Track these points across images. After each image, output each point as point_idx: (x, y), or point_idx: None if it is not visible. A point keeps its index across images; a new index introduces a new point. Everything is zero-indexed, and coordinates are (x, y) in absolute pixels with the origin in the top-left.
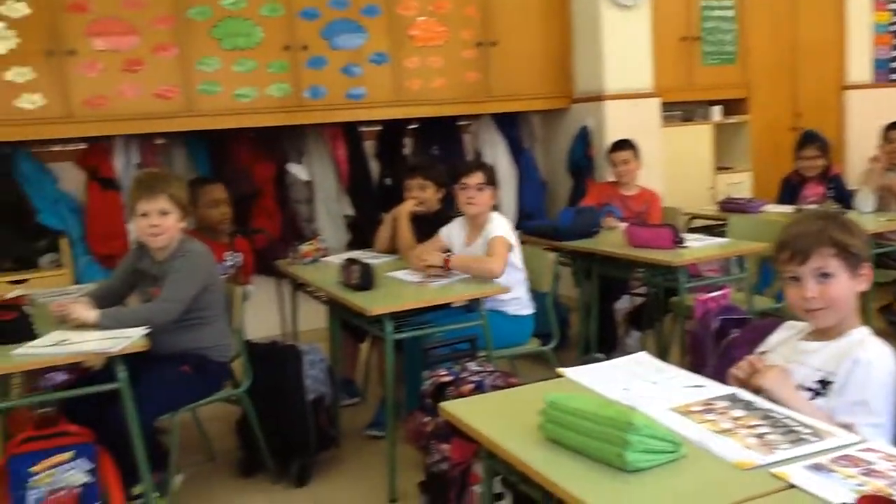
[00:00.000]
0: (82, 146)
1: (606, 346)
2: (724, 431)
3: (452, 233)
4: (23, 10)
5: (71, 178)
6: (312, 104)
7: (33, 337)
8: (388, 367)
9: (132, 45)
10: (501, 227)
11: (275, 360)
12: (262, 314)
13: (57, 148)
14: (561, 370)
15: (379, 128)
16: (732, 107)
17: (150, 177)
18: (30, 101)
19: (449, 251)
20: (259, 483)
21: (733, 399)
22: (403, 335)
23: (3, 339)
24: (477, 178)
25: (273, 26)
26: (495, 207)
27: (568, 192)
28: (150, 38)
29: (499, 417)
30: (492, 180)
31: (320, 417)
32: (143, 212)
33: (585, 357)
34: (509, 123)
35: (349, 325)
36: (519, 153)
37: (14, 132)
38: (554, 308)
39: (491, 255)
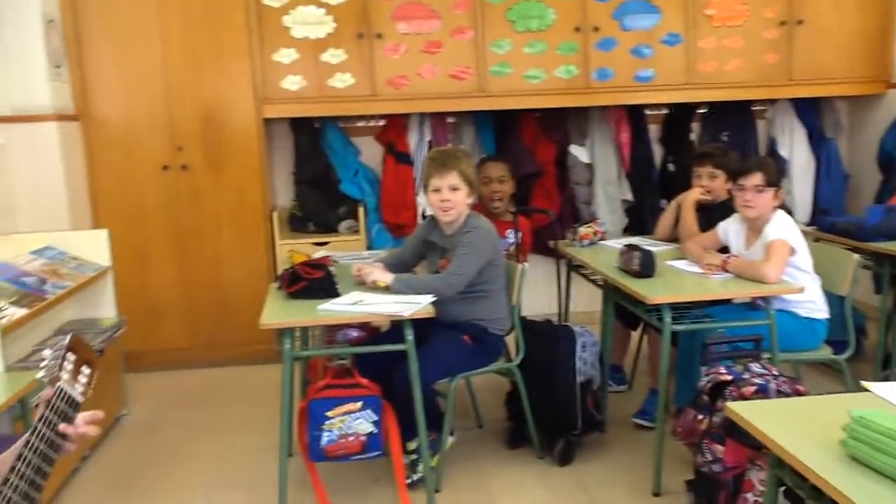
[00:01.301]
0: (382, 123)
1: None
2: None
3: (730, 230)
4: None
5: (370, 152)
6: (599, 86)
7: (336, 295)
8: (662, 358)
9: (433, 28)
10: (782, 228)
11: (549, 338)
12: (535, 292)
13: (360, 123)
14: (867, 384)
15: (665, 111)
16: None
17: (442, 154)
18: (341, 81)
19: (727, 249)
20: (523, 455)
21: None
22: (682, 327)
23: (311, 295)
24: (755, 179)
25: (566, 8)
26: (782, 205)
27: (875, 187)
28: (450, 22)
29: (792, 426)
30: (773, 180)
31: (588, 400)
32: (436, 187)
33: (886, 372)
34: (809, 110)
35: (623, 312)
36: (819, 143)
37: (327, 108)
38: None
39: (767, 259)
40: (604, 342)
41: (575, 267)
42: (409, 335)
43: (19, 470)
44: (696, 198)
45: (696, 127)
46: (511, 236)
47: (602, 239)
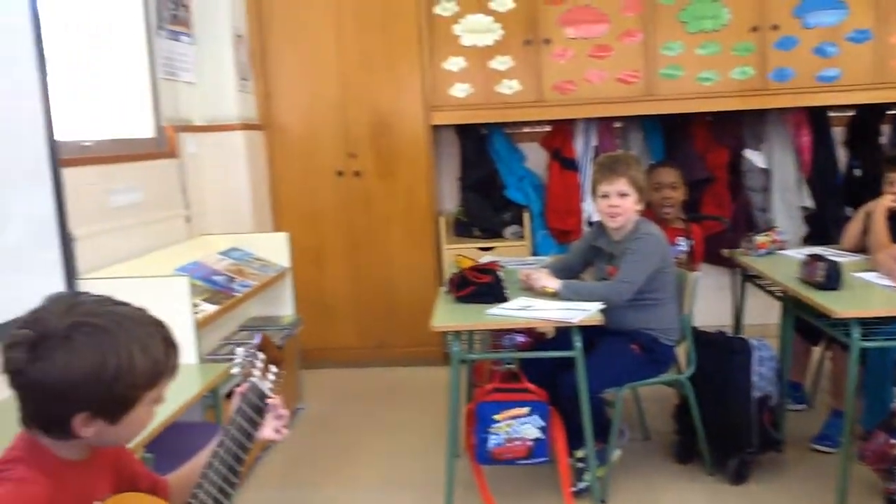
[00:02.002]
0: (547, 128)
1: None
2: None
3: None
4: (508, 4)
5: (535, 158)
6: (777, 87)
7: (504, 299)
8: (849, 376)
9: (601, 32)
10: None
11: (723, 350)
12: (706, 302)
13: (526, 129)
14: None
15: (851, 113)
16: None
17: (611, 160)
18: (508, 87)
19: None
20: (693, 471)
21: None
22: (874, 344)
23: (479, 299)
24: None
25: (742, 7)
26: None
27: None
28: (619, 25)
29: None
30: None
31: (764, 417)
32: (604, 193)
33: None
34: None
35: (803, 326)
36: None
37: (494, 114)
38: None
39: None
40: (782, 357)
41: (750, 277)
42: (578, 342)
43: (219, 454)
44: (887, 206)
45: (886, 129)
46: (682, 244)
47: (780, 248)
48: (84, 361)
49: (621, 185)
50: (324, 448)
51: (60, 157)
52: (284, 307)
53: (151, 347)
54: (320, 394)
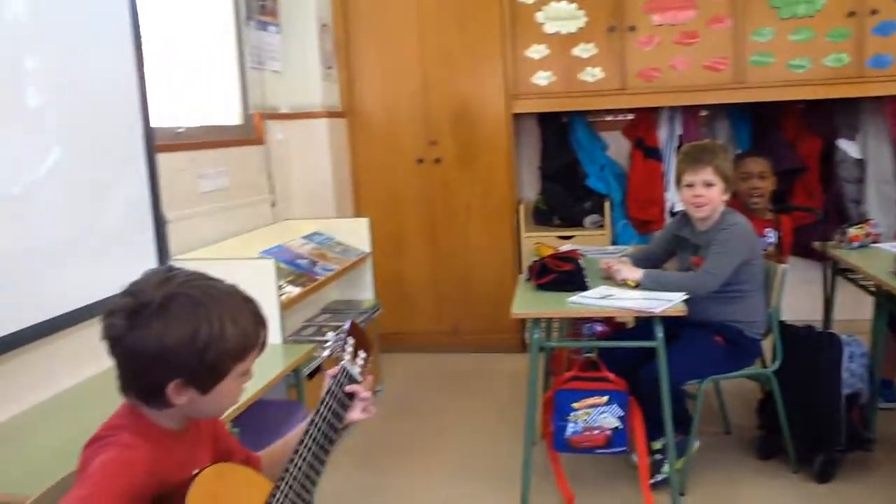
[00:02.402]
0: (630, 117)
1: None
2: None
3: None
4: None
5: (617, 146)
6: (875, 74)
7: (585, 288)
8: None
9: (688, 18)
10: None
11: (812, 345)
12: (793, 296)
13: (609, 118)
14: None
15: None
16: None
17: (697, 149)
18: (591, 75)
19: None
20: (775, 468)
21: None
22: None
23: (560, 287)
24: None
25: None
26: None
27: None
28: (707, 11)
29: None
30: None
31: (853, 415)
32: (689, 182)
33: None
34: None
35: None
36: None
37: (576, 102)
38: None
39: None
40: (874, 353)
41: (841, 270)
42: (660, 333)
43: (310, 434)
44: None
45: None
46: (770, 235)
47: (875, 241)
48: (178, 330)
49: (707, 174)
50: (400, 432)
51: (155, 143)
52: (364, 291)
53: (241, 320)
54: (397, 378)
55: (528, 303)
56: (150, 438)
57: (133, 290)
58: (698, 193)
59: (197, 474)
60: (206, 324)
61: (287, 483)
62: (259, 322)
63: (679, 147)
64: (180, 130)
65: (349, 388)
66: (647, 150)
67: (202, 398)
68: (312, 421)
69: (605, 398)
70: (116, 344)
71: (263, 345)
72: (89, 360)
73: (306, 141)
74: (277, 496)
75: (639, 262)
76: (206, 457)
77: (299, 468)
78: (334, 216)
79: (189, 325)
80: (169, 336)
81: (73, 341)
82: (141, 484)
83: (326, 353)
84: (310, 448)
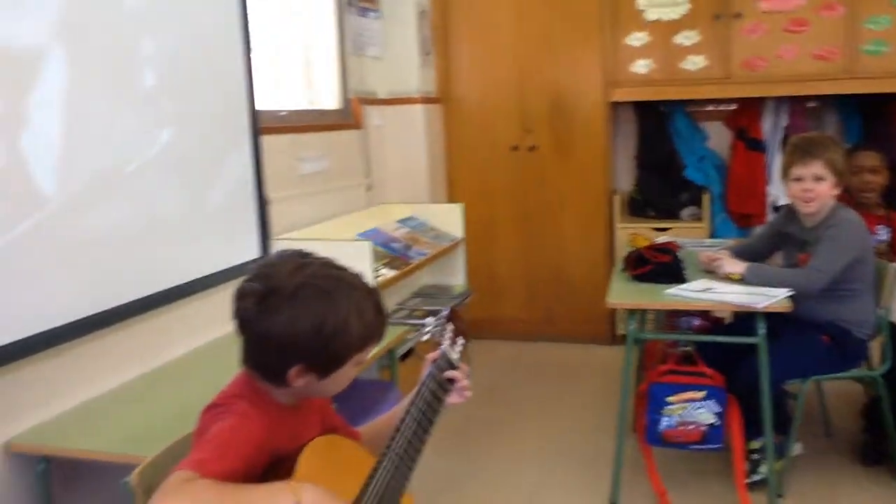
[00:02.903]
0: (733, 107)
1: None
2: None
3: None
4: None
5: (718, 137)
6: None
7: (683, 280)
8: None
9: (798, 5)
10: None
11: None
12: None
13: (710, 108)
14: None
15: None
16: None
17: (806, 141)
18: (693, 63)
19: None
20: (880, 475)
21: None
22: None
23: (656, 279)
24: None
25: None
26: None
27: None
28: None
29: None
30: None
31: None
32: (797, 176)
33: None
34: None
35: None
36: None
37: (676, 91)
38: None
39: None
40: None
41: None
42: (762, 329)
43: (411, 414)
44: None
45: None
46: (882, 233)
47: None
48: (307, 318)
49: (817, 167)
50: (489, 420)
51: (260, 126)
52: (456, 277)
53: (366, 312)
54: (487, 365)
55: (623, 293)
56: (265, 410)
57: (265, 275)
58: (807, 188)
59: (309, 441)
60: (332, 315)
61: (389, 458)
62: (380, 314)
63: (784, 139)
64: (283, 114)
65: (448, 373)
66: (750, 142)
67: (319, 382)
68: (413, 402)
69: (703, 393)
70: (246, 325)
71: (382, 335)
72: (201, 330)
73: (403, 126)
74: (380, 470)
75: (739, 255)
76: (315, 432)
77: (401, 445)
78: (428, 201)
79: (317, 314)
80: (297, 324)
81: (188, 311)
82: (255, 454)
83: (426, 337)
84: (411, 427)
